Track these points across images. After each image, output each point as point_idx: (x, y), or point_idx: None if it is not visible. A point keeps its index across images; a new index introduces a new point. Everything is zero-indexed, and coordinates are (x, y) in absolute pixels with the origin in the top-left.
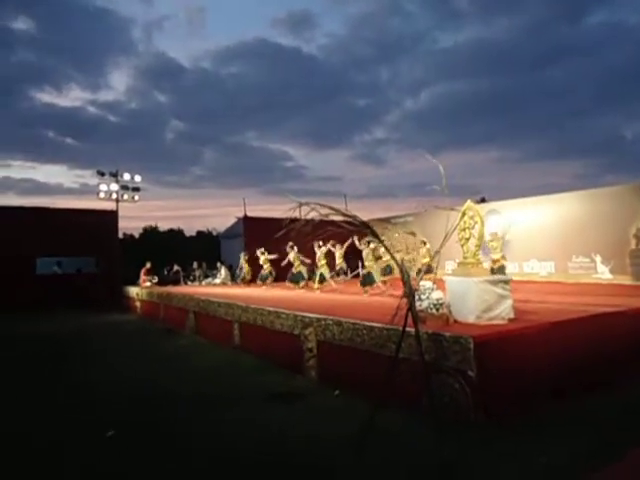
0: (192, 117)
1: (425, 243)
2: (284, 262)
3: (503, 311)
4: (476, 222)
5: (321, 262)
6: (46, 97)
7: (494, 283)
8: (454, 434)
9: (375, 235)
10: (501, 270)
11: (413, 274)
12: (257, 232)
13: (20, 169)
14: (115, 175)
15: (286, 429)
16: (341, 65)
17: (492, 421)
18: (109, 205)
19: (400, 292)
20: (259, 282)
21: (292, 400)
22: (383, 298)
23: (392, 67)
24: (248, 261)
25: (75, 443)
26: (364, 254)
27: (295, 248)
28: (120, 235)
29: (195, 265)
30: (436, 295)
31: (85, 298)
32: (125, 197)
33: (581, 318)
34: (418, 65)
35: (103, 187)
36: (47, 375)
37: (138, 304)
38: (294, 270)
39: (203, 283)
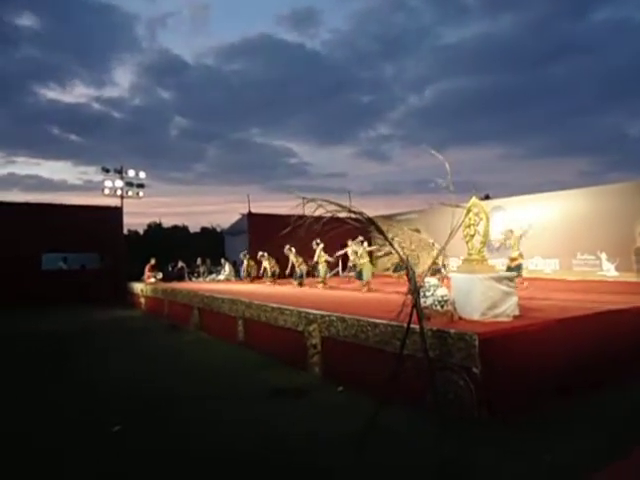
0: (196, 114)
1: (434, 244)
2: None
3: (508, 308)
4: (481, 219)
5: (320, 259)
6: (50, 93)
7: (499, 280)
8: (457, 431)
9: (381, 232)
10: (518, 268)
11: (419, 271)
12: (261, 228)
13: (25, 165)
14: (120, 172)
15: (288, 426)
16: (345, 61)
17: (496, 418)
18: (114, 201)
19: (403, 289)
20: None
21: (295, 396)
22: (385, 295)
23: (396, 63)
24: (250, 260)
25: (75, 443)
26: (359, 252)
27: (293, 250)
28: (125, 231)
29: (199, 261)
30: (441, 292)
31: (90, 294)
32: (129, 193)
33: (586, 315)
34: (422, 61)
35: (108, 183)
36: (48, 374)
37: (142, 300)
38: (297, 270)
39: (207, 279)
